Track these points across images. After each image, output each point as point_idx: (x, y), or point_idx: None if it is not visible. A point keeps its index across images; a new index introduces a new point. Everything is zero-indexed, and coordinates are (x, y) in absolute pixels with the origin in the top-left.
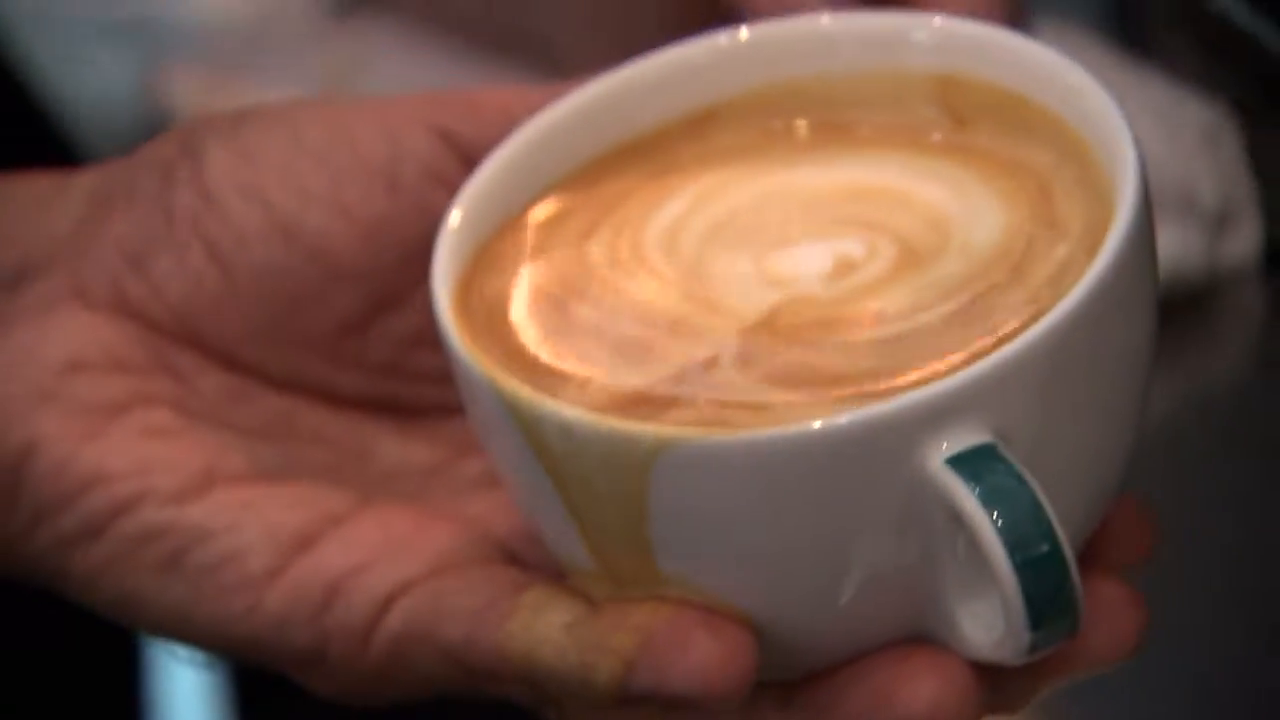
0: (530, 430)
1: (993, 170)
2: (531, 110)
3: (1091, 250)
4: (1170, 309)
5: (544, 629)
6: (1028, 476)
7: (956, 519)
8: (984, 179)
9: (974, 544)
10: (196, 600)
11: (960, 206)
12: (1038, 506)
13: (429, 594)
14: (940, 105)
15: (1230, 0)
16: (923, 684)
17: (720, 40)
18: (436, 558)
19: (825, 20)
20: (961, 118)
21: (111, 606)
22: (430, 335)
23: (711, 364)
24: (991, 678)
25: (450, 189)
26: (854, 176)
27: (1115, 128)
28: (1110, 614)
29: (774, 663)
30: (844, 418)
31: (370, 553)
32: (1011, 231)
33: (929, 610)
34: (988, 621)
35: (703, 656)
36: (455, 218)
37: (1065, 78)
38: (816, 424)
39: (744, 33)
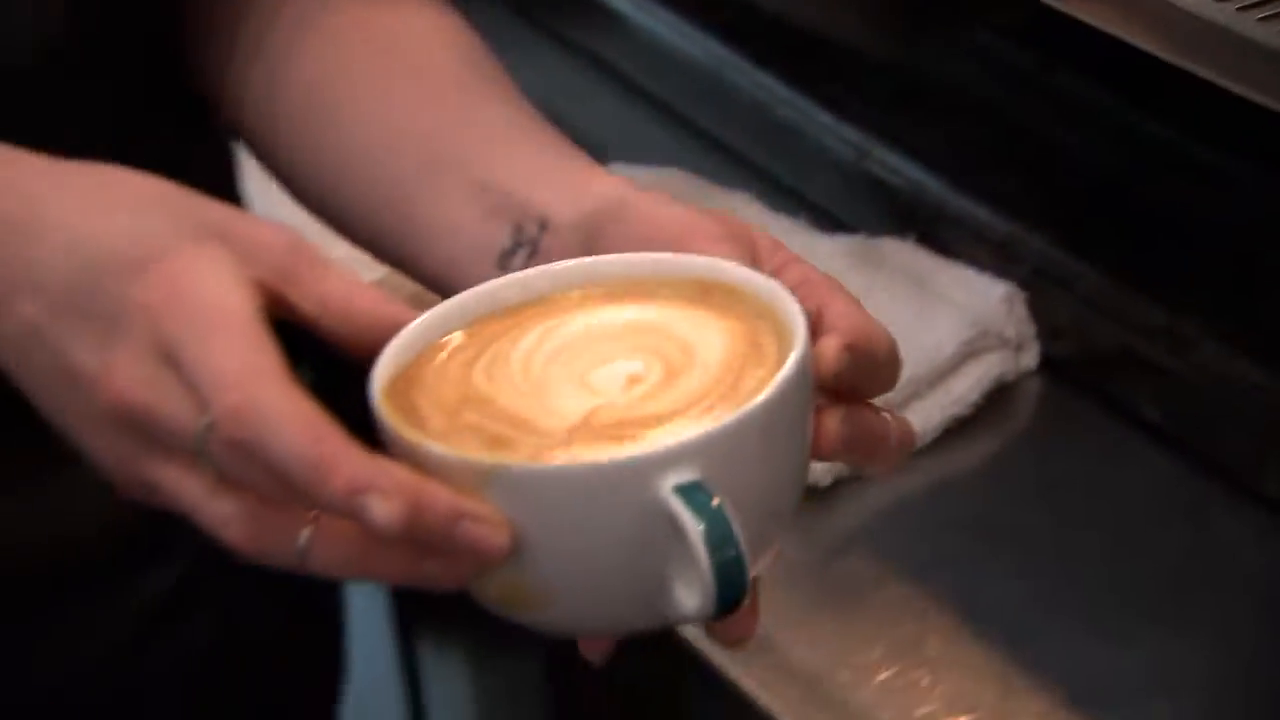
0: (407, 458)
1: (723, 318)
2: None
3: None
4: (994, 395)
5: None
6: (723, 501)
7: (676, 528)
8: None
9: (685, 544)
10: None
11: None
12: (728, 521)
13: None
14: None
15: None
16: None
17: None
18: None
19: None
20: (708, 291)
21: None
22: None
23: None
24: None
25: None
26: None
27: (784, 299)
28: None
29: (558, 630)
30: (606, 456)
31: None
32: (731, 354)
33: (656, 593)
34: (692, 596)
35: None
36: (387, 351)
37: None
38: (592, 459)
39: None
